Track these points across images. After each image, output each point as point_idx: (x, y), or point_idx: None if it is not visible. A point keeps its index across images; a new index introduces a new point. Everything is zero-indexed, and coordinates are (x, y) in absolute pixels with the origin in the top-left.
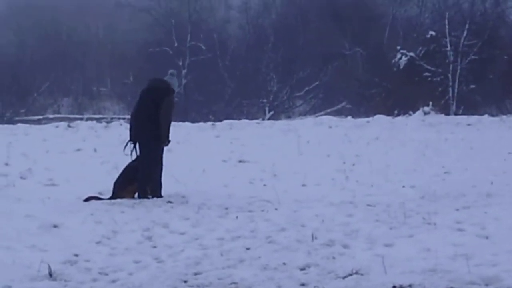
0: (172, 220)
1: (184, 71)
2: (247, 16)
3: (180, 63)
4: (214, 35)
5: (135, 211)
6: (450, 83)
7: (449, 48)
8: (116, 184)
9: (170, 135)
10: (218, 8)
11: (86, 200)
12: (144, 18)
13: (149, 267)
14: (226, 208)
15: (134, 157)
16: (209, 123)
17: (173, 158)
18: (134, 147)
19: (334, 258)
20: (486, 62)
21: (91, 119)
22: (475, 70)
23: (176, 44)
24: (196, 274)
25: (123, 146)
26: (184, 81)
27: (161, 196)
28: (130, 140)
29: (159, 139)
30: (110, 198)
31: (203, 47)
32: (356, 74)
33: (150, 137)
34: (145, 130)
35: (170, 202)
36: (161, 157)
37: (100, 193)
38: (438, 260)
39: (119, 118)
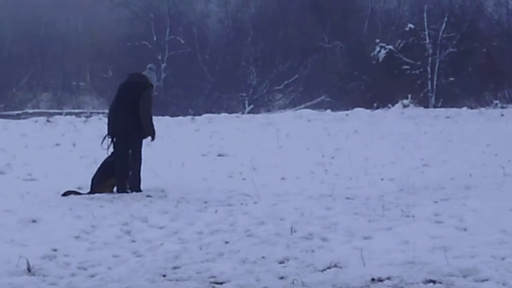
0: (151, 214)
1: (163, 65)
2: (226, 10)
3: (160, 57)
4: (193, 29)
5: (114, 206)
6: (429, 76)
7: (427, 41)
8: (94, 178)
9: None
10: (197, 1)
11: (65, 194)
12: (123, 12)
13: (128, 261)
14: (205, 202)
15: (111, 151)
16: (189, 117)
17: (152, 152)
18: (112, 141)
19: (313, 251)
20: (465, 54)
21: (70, 113)
22: (454, 63)
23: (155, 38)
24: (175, 268)
25: (100, 141)
26: (163, 75)
27: (140, 190)
28: (108, 134)
29: (137, 133)
30: (89, 193)
31: (182, 41)
32: (336, 68)
33: (127, 131)
34: (123, 124)
35: (149, 196)
36: (140, 152)
37: (79, 188)
38: (417, 252)
39: (98, 113)
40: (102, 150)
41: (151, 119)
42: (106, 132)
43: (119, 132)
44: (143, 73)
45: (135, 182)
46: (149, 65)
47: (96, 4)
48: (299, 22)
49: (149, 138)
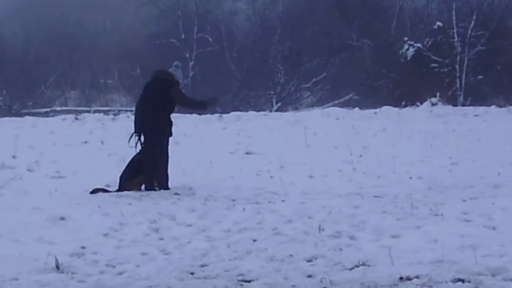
0: (179, 212)
1: (191, 63)
2: (254, 8)
3: (187, 55)
4: (221, 26)
5: (142, 203)
6: (458, 74)
7: (456, 39)
8: (122, 176)
9: (174, 127)
10: None
11: (93, 192)
12: (151, 10)
13: (156, 259)
14: (233, 200)
15: (138, 149)
16: (216, 115)
17: (180, 150)
18: (139, 139)
19: (341, 249)
20: (493, 53)
21: (98, 111)
22: (482, 61)
23: (183, 36)
24: (202, 266)
25: (128, 139)
26: (191, 73)
27: (168, 188)
28: (135, 132)
29: (164, 131)
30: (117, 191)
31: (210, 39)
32: (363, 66)
33: (154, 128)
34: (150, 122)
35: (177, 194)
36: (167, 149)
37: (107, 186)
38: (445, 251)
39: (126, 111)
40: (130, 148)
41: (193, 101)
42: (133, 130)
43: (146, 129)
44: (169, 70)
45: (163, 180)
46: (175, 63)
47: (124, 3)
48: (327, 20)
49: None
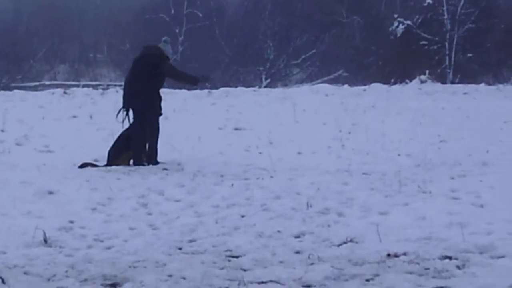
0: (168, 187)
1: (180, 38)
2: None
3: (177, 30)
4: (211, 2)
5: (131, 178)
6: (447, 52)
7: (446, 16)
8: (111, 151)
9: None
10: None
11: (81, 166)
12: None
13: (144, 234)
14: (222, 176)
15: (126, 124)
16: (205, 90)
17: (169, 126)
18: (127, 114)
19: (329, 226)
20: (483, 30)
21: (87, 86)
22: (472, 39)
23: (172, 11)
24: (191, 241)
25: (116, 113)
26: (180, 49)
27: (157, 163)
28: (123, 107)
29: (154, 106)
30: (105, 165)
31: (200, 14)
32: (353, 42)
33: (144, 104)
34: (140, 96)
35: (165, 169)
36: (158, 124)
37: (95, 160)
38: (433, 228)
39: (115, 85)
40: (118, 123)
41: (185, 75)
42: (121, 105)
43: (136, 104)
44: (159, 45)
45: (152, 154)
46: (164, 38)
47: None
48: None
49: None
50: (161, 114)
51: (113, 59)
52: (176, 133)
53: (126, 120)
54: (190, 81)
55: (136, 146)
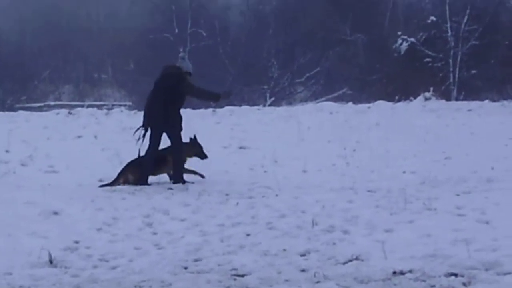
0: (173, 207)
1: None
2: (248, 2)
3: (181, 50)
4: (215, 21)
5: (136, 198)
6: (451, 69)
7: (449, 33)
8: (144, 169)
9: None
10: None
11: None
12: (145, 4)
13: (149, 253)
14: (227, 194)
15: (141, 143)
16: (210, 109)
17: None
18: (145, 133)
19: (334, 244)
20: (487, 47)
21: (92, 106)
22: (476, 56)
23: (176, 31)
24: (196, 260)
25: (134, 130)
26: None
27: (183, 182)
28: (142, 126)
29: (175, 125)
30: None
31: (204, 34)
32: (357, 60)
33: (164, 123)
34: (160, 117)
35: (170, 188)
36: (181, 143)
37: (100, 180)
38: (438, 245)
39: (120, 105)
40: (123, 142)
41: (206, 92)
42: (140, 124)
43: (156, 124)
44: (177, 64)
45: (178, 173)
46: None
47: None
48: (321, 15)
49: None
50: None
51: (118, 79)
52: None
53: (142, 139)
54: (212, 98)
55: (146, 166)
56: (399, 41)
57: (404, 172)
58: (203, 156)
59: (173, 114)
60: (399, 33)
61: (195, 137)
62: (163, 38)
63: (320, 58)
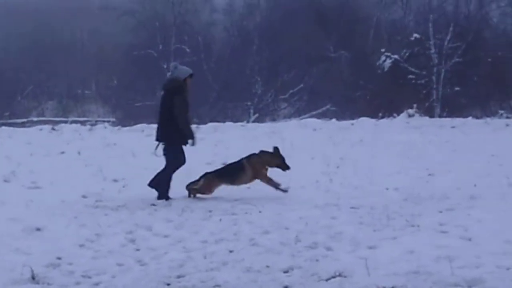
0: (156, 223)
1: (168, 74)
2: (232, 19)
3: (165, 66)
4: (198, 38)
5: (119, 214)
6: (434, 86)
7: (433, 50)
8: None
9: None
10: (203, 10)
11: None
12: (129, 21)
13: (132, 270)
14: (210, 211)
15: (161, 156)
16: (194, 125)
17: (157, 161)
18: (157, 146)
19: (317, 260)
20: (470, 64)
21: (76, 122)
22: (459, 73)
23: (160, 47)
24: (179, 276)
25: (154, 148)
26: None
27: (167, 198)
28: (156, 140)
29: (173, 140)
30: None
31: (188, 50)
32: (341, 77)
33: (166, 138)
34: (162, 131)
35: (153, 204)
36: (173, 158)
37: (83, 196)
38: (421, 262)
39: (103, 121)
40: (106, 158)
41: (187, 123)
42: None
43: (161, 139)
44: (173, 76)
45: (162, 189)
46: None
47: (101, 13)
48: (304, 32)
49: (191, 142)
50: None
51: (101, 95)
52: None
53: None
54: (182, 127)
55: (162, 180)
56: (383, 58)
57: (387, 188)
58: (285, 167)
59: (171, 128)
60: (383, 50)
61: (277, 148)
62: (147, 54)
63: (303, 74)
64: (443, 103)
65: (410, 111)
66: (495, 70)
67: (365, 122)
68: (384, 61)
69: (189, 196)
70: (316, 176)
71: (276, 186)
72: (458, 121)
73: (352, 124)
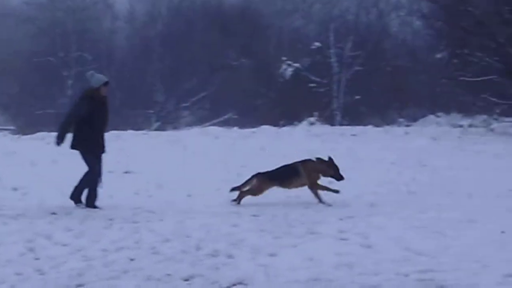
0: (56, 232)
1: (70, 82)
2: (133, 26)
3: (66, 74)
4: (100, 45)
5: (18, 223)
6: (335, 94)
7: (333, 59)
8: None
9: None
10: (104, 18)
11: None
12: (29, 27)
13: (31, 279)
14: (111, 219)
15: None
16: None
17: (58, 170)
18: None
19: (218, 268)
20: (370, 73)
21: None
22: (359, 81)
23: (61, 54)
24: (78, 285)
25: None
26: (69, 92)
27: (95, 207)
28: (71, 147)
29: (87, 148)
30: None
31: (89, 57)
32: (243, 85)
33: (81, 145)
34: (79, 139)
35: (54, 213)
36: (93, 166)
37: None
38: (322, 269)
39: (3, 129)
40: (6, 167)
41: (65, 126)
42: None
43: (76, 147)
44: (87, 84)
45: (90, 198)
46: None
47: (1, 19)
48: (206, 39)
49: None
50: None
51: (2, 103)
52: (65, 177)
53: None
54: (59, 129)
55: (86, 186)
56: (284, 66)
57: (288, 196)
58: (339, 177)
59: (83, 137)
60: (284, 58)
61: (331, 158)
62: (48, 61)
63: (206, 83)
64: (344, 111)
65: (311, 119)
66: (395, 79)
67: (266, 130)
68: (286, 69)
69: (237, 199)
70: (218, 184)
71: (320, 199)
72: (358, 129)
73: (254, 132)
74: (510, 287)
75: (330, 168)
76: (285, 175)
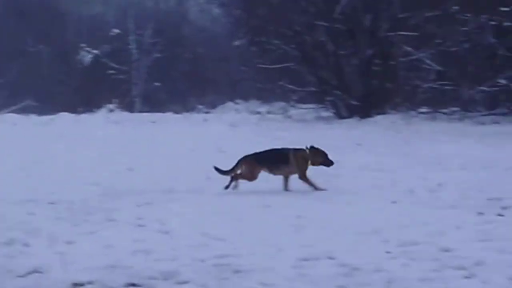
0: None
1: None
2: None
3: None
4: None
5: None
6: (135, 81)
7: (133, 46)
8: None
9: None
10: None
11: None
12: None
13: None
14: None
15: None
16: None
17: None
18: None
19: (13, 257)
20: (170, 60)
21: None
22: (160, 69)
23: None
24: None
25: None
26: None
27: None
28: None
29: None
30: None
31: None
32: (42, 72)
33: None
34: None
35: None
36: None
37: None
38: (119, 256)
39: None
40: None
41: None
42: None
43: None
44: None
45: None
46: None
47: None
48: (4, 26)
49: None
50: None
51: None
52: None
53: None
54: None
55: None
56: (83, 53)
57: (86, 183)
58: (329, 163)
59: None
60: (83, 45)
61: (312, 146)
62: None
63: (3, 70)
64: (144, 98)
65: (110, 106)
66: (195, 66)
67: (65, 117)
68: (84, 56)
69: (231, 182)
70: (16, 172)
71: (315, 185)
72: (158, 116)
73: (52, 119)
74: (304, 270)
75: (317, 157)
76: (274, 161)
